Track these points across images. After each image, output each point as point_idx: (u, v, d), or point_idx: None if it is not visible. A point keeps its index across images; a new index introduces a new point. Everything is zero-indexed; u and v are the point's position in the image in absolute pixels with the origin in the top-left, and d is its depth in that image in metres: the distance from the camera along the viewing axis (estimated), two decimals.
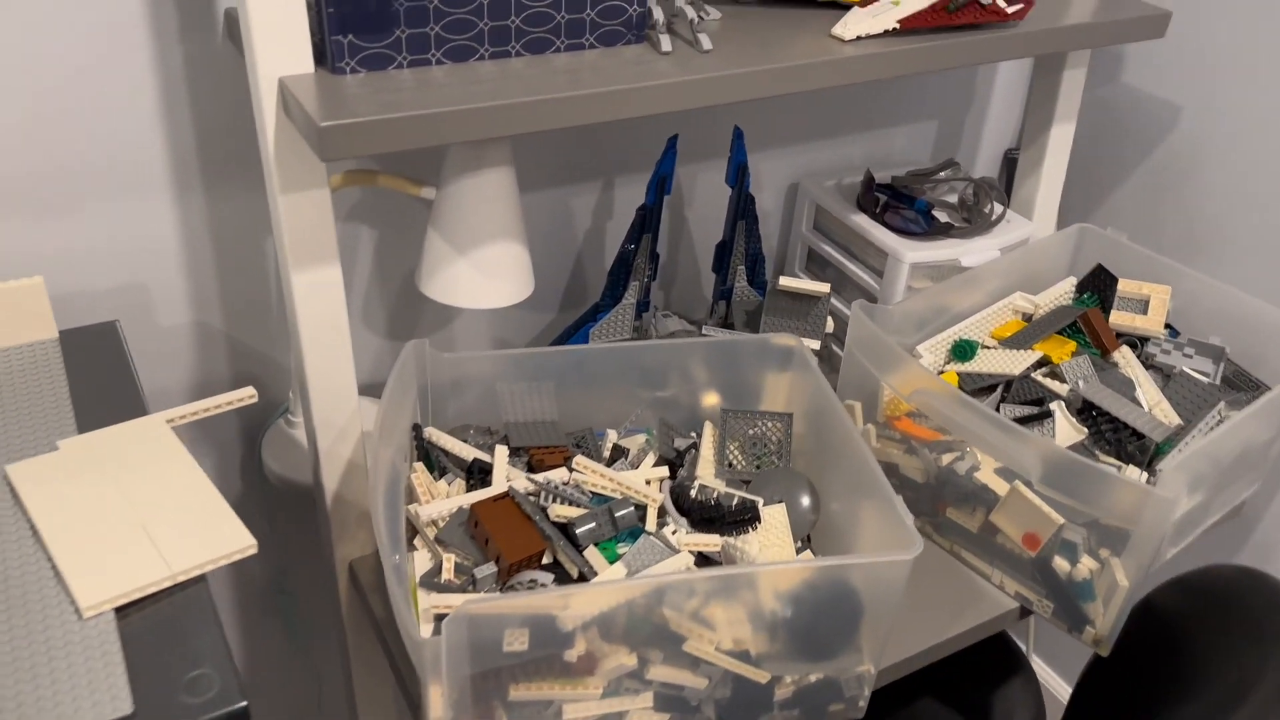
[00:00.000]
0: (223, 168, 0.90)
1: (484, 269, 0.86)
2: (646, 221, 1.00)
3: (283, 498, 1.09)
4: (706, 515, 0.81)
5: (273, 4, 0.67)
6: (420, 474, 0.82)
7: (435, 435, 0.86)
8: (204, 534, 0.61)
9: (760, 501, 0.81)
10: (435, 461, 0.84)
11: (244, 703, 0.51)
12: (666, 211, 1.14)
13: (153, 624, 0.56)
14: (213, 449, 1.02)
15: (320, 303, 0.79)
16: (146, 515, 0.61)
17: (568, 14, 0.77)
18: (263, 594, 1.13)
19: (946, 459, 0.90)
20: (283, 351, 1.02)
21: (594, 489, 0.81)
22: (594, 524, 0.77)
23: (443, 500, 0.79)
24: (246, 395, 0.74)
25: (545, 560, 0.76)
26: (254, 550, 0.61)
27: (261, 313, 0.99)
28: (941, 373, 0.99)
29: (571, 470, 0.83)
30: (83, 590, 0.56)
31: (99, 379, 0.75)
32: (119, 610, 0.56)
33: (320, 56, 0.72)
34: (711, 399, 0.93)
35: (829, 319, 0.99)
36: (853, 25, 0.84)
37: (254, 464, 1.05)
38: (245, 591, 1.12)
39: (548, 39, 0.77)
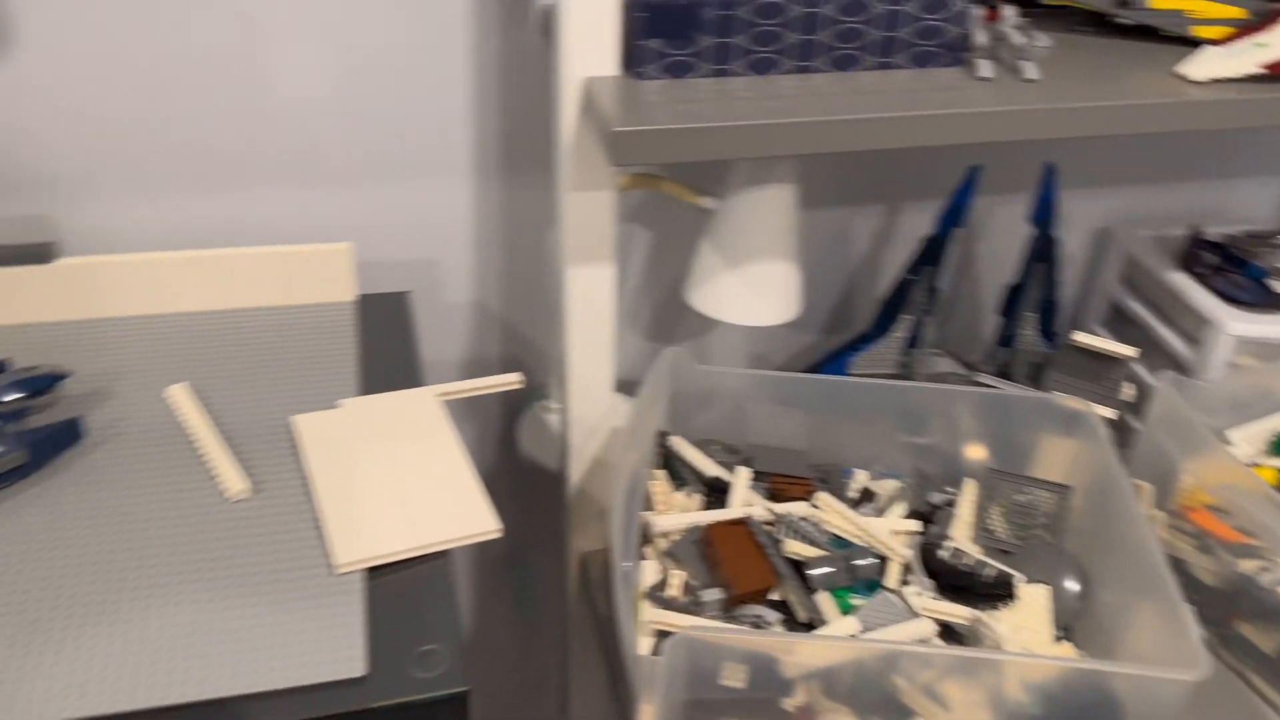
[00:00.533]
0: (519, 159, 0.93)
1: (753, 286, 0.84)
2: (931, 253, 0.93)
3: (530, 479, 1.13)
4: (956, 582, 0.75)
5: (588, 5, 0.68)
6: (660, 482, 0.81)
7: (680, 445, 0.85)
8: (454, 510, 0.63)
9: (1021, 578, 0.74)
10: (676, 471, 0.83)
11: (467, 688, 0.52)
12: (954, 245, 1.07)
13: (394, 591, 0.58)
14: (473, 421, 1.07)
15: (591, 299, 0.80)
16: (405, 484, 0.64)
17: (881, 31, 0.73)
18: (496, 566, 1.17)
19: (1247, 565, 0.78)
20: (548, 340, 1.05)
21: (835, 530, 0.77)
22: (830, 569, 0.73)
23: (678, 514, 0.77)
24: (514, 380, 0.76)
25: (774, 596, 0.73)
26: (498, 534, 0.62)
27: (534, 300, 1.02)
28: (1256, 467, 0.86)
29: (814, 506, 0.79)
30: (341, 546, 0.59)
31: (385, 345, 0.80)
32: (370, 571, 0.59)
33: (625, 60, 0.72)
34: (977, 454, 0.86)
35: (1129, 386, 0.89)
36: (1206, 65, 0.74)
37: (508, 443, 1.10)
38: (479, 563, 1.17)
39: (855, 56, 0.74)
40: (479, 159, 0.93)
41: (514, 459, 1.11)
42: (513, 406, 1.08)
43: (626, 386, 1.09)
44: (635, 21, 0.70)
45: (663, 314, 1.06)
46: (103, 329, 0.77)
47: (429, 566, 0.60)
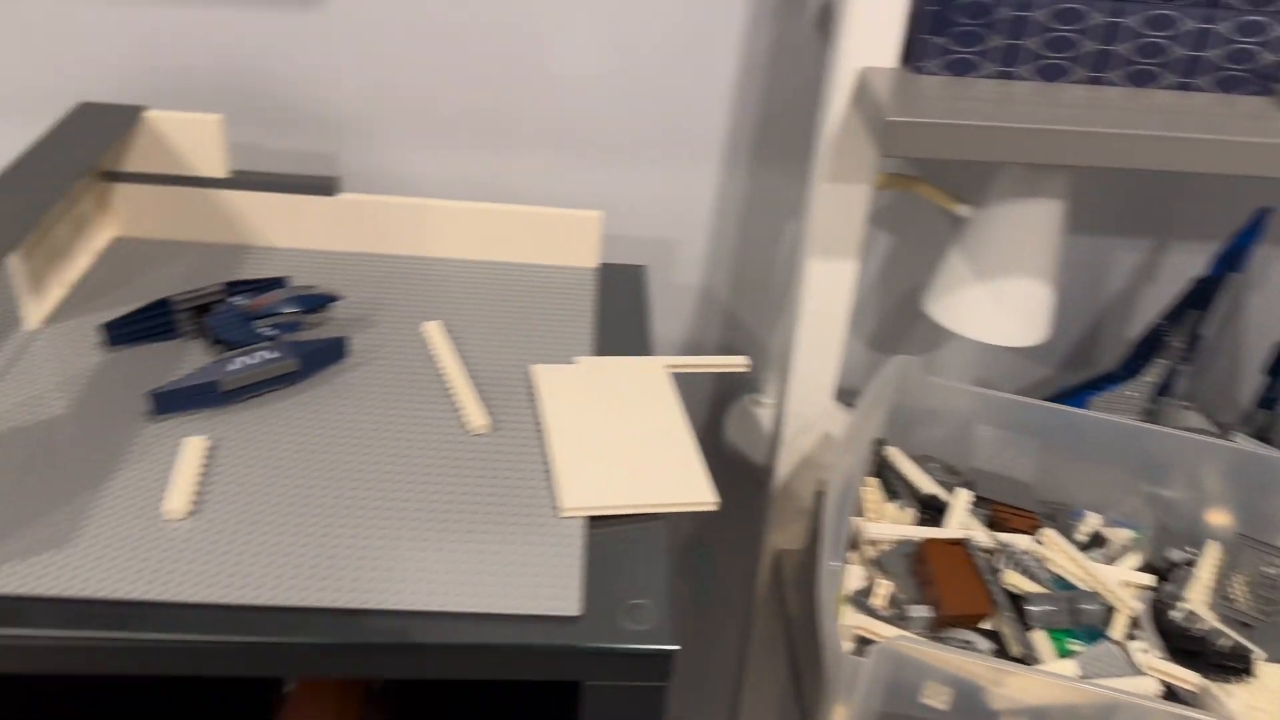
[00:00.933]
0: (770, 149, 0.94)
1: (1002, 303, 0.80)
2: (1199, 296, 0.87)
3: (728, 468, 1.13)
4: (1186, 646, 0.69)
5: None
6: (873, 490, 0.79)
7: (896, 457, 0.82)
8: (674, 477, 0.63)
9: (1260, 655, 0.67)
10: (889, 483, 0.81)
11: (676, 646, 0.53)
12: (1227, 291, 0.99)
13: (611, 543, 0.60)
14: (682, 400, 1.08)
15: (827, 296, 0.79)
16: (631, 444, 0.66)
17: (1186, 50, 0.69)
18: (680, 553, 1.18)
19: None
20: (768, 333, 1.04)
21: (1059, 571, 0.72)
22: (1052, 607, 0.69)
23: (891, 524, 0.75)
24: (740, 363, 0.76)
25: (985, 625, 0.70)
26: (714, 507, 0.62)
27: (761, 292, 1.02)
28: None
29: (1037, 542, 0.75)
30: (567, 490, 0.61)
31: (619, 313, 0.82)
32: (590, 520, 0.61)
33: (904, 53, 0.71)
34: (1222, 518, 0.79)
35: None
36: None
37: (711, 429, 1.10)
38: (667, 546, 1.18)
39: (1153, 72, 0.69)
40: (730, 146, 0.93)
41: (714, 446, 1.11)
42: (722, 394, 1.08)
43: (841, 391, 1.07)
44: (922, 15, 0.68)
45: (888, 321, 1.03)
46: (372, 263, 0.83)
47: (645, 526, 0.61)
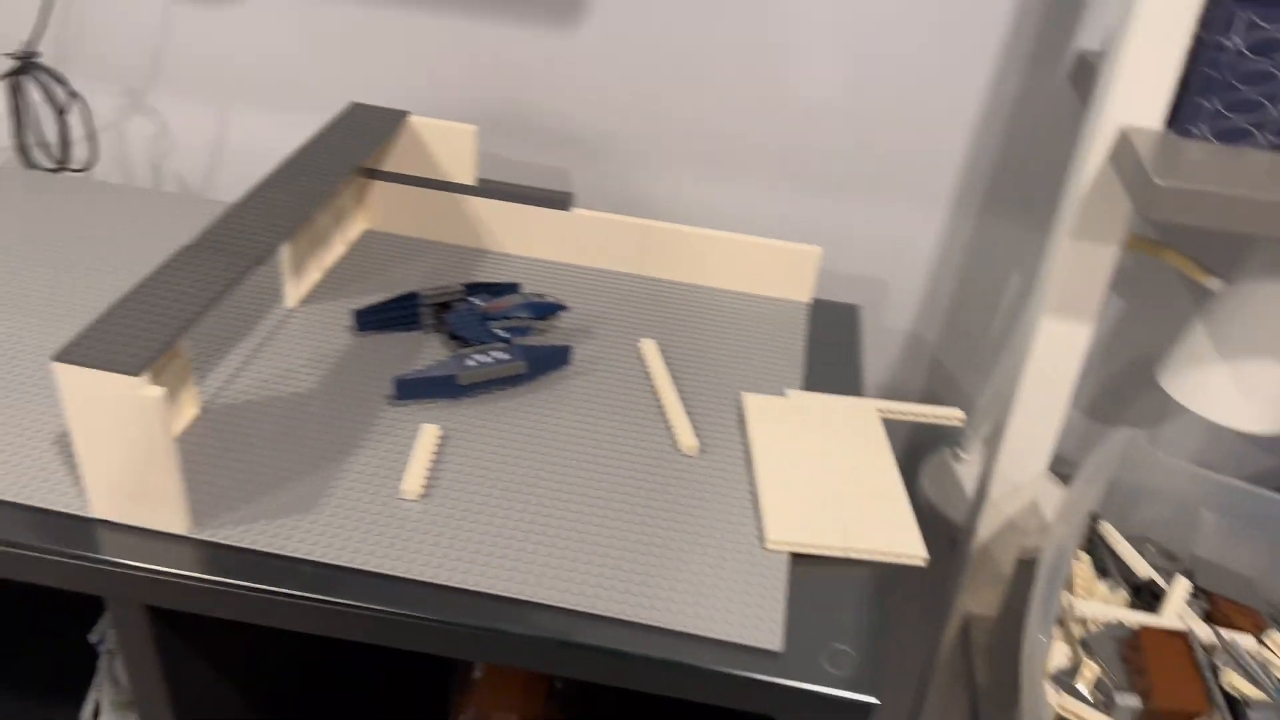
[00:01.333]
0: (1003, 197, 0.91)
1: (1247, 385, 0.75)
2: None
3: (922, 523, 1.10)
4: None
5: (1147, 55, 0.65)
6: (1083, 566, 0.76)
7: (1111, 535, 0.78)
8: (884, 525, 0.62)
9: None
10: (1100, 560, 0.77)
11: (876, 700, 0.52)
12: None
13: (816, 584, 0.59)
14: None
15: (1056, 358, 0.76)
16: (840, 484, 0.65)
17: None
18: None
19: None
20: (976, 385, 1.01)
21: None
22: (1275, 717, 0.63)
23: (1103, 604, 0.71)
24: (955, 416, 0.74)
25: None
26: (922, 562, 0.61)
27: (974, 343, 0.99)
28: None
29: (1261, 643, 0.70)
30: (773, 523, 0.62)
31: (831, 350, 0.81)
32: (794, 556, 0.61)
33: (1170, 114, 0.68)
34: None
35: None
36: None
37: (906, 480, 1.07)
38: None
39: None
40: (962, 189, 0.92)
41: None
42: (918, 442, 1.06)
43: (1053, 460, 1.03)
44: (1196, 76, 0.65)
45: (1113, 390, 0.98)
46: (598, 277, 0.86)
47: (851, 571, 0.61)
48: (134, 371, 0.52)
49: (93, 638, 0.84)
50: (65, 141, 0.92)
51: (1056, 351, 0.76)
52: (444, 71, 0.94)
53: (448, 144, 0.84)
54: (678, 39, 0.89)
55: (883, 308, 0.99)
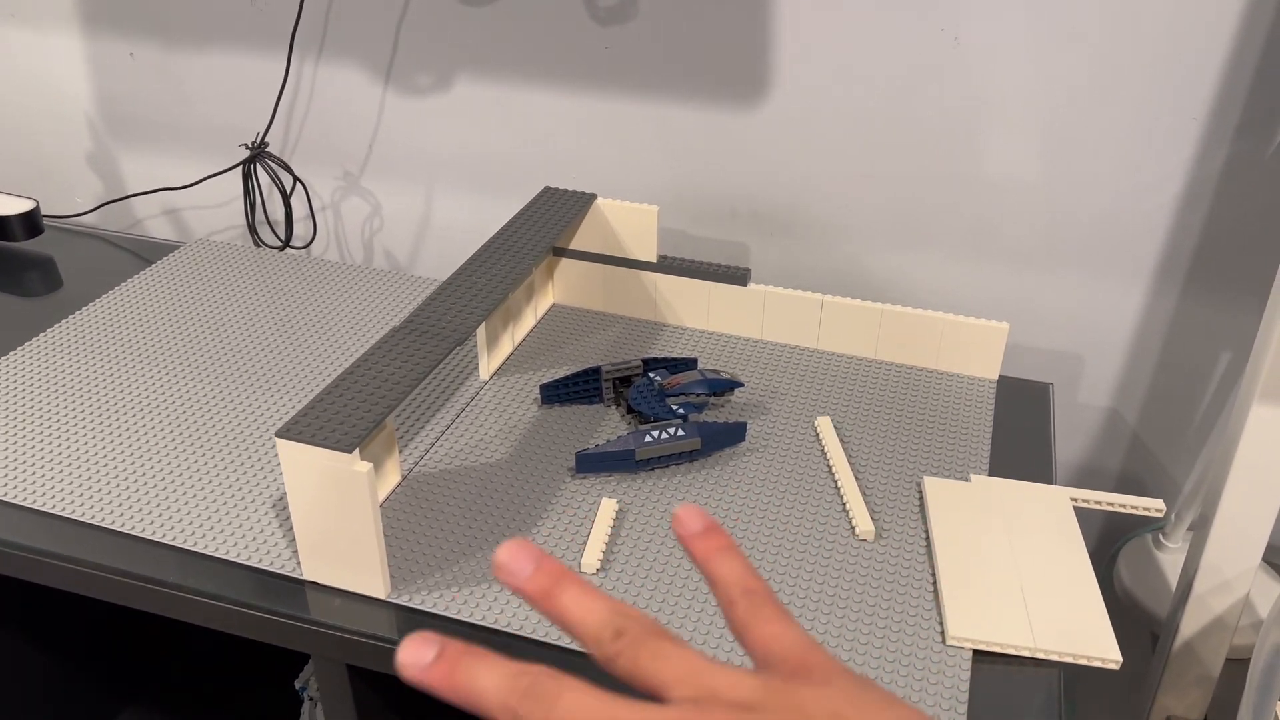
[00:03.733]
0: (1209, 273, 0.86)
1: None
2: None
3: (1119, 615, 1.03)
4: None
5: None
6: None
7: None
8: (1075, 625, 0.59)
9: None
10: None
11: None
12: None
13: (1000, 685, 0.57)
14: None
15: (1270, 443, 0.71)
16: (1027, 578, 0.63)
17: None
18: None
19: None
20: (1180, 469, 0.95)
21: None
22: None
23: None
24: (1154, 507, 0.70)
25: None
26: (1115, 665, 0.57)
27: (1177, 424, 0.93)
28: None
29: None
30: (955, 618, 0.60)
31: (1020, 432, 0.79)
32: (976, 653, 0.59)
33: None
34: None
35: None
36: None
37: (1100, 564, 1.01)
38: None
39: None
40: (1162, 264, 0.87)
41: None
42: (1113, 528, 1.00)
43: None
44: None
45: None
46: (775, 351, 0.87)
47: (1037, 673, 0.58)
48: (347, 449, 0.56)
49: (297, 684, 0.90)
50: (289, 222, 1.01)
51: (1270, 437, 0.70)
52: (632, 154, 0.98)
53: (631, 223, 0.88)
54: (864, 110, 0.89)
55: (1076, 384, 0.95)
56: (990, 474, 0.73)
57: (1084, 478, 0.99)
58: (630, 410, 0.78)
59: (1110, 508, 0.71)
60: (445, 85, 1.00)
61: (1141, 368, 0.92)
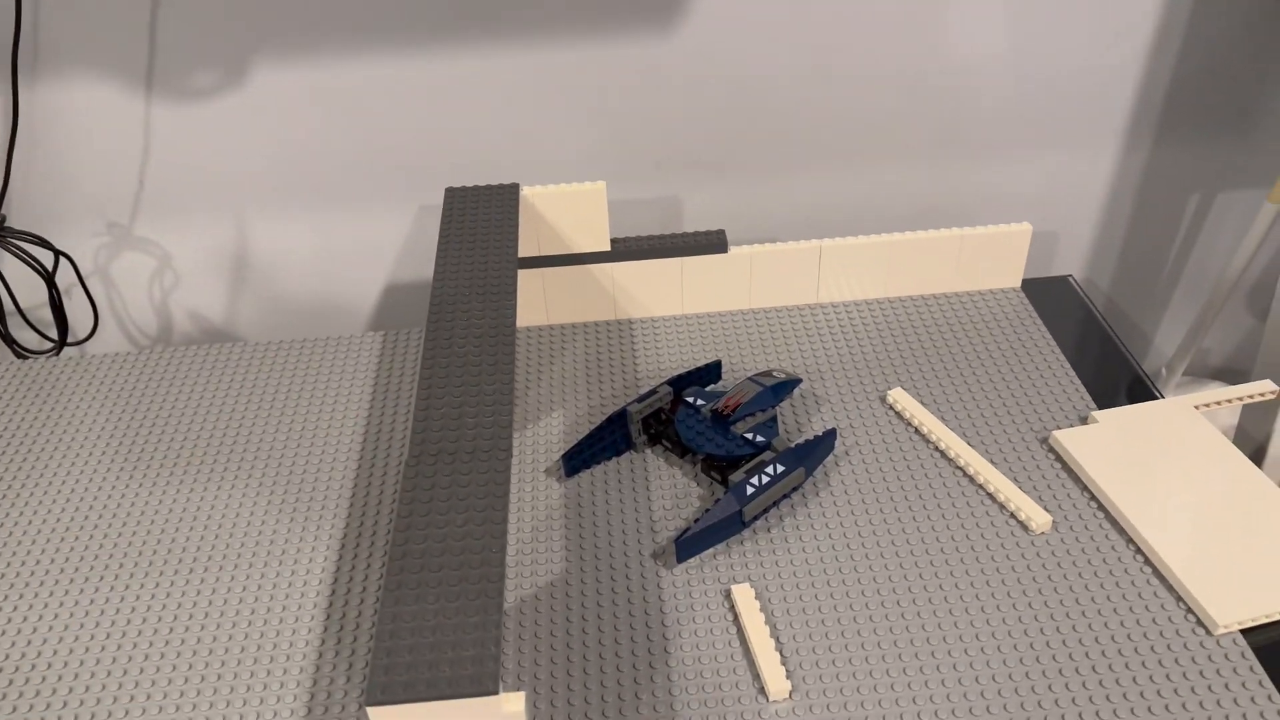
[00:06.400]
0: (1179, 117, 0.80)
1: None
2: None
3: None
4: None
5: None
6: None
7: None
8: None
9: None
10: None
11: None
12: None
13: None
14: None
15: None
16: (1235, 522, 0.54)
17: None
18: None
19: None
20: (1149, 322, 0.92)
21: None
22: None
23: None
24: (1266, 391, 0.64)
25: None
26: None
27: (1148, 278, 0.89)
28: None
29: None
30: (1212, 604, 0.50)
31: (1082, 341, 0.70)
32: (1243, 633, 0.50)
33: None
34: None
35: None
36: None
37: None
38: None
39: None
40: (1133, 119, 0.80)
41: None
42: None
43: None
44: None
45: None
46: (765, 320, 0.72)
47: None
48: (489, 689, 0.37)
49: None
50: (61, 312, 0.72)
51: None
52: (507, 121, 0.77)
53: (573, 209, 0.69)
54: (808, 19, 0.74)
55: (1052, 263, 0.88)
56: (1090, 395, 0.65)
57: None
58: (683, 450, 0.61)
59: (1230, 403, 0.64)
60: (237, 77, 0.73)
61: (1113, 232, 0.86)
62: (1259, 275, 0.90)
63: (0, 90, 0.71)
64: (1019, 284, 0.75)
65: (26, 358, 0.74)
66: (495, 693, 0.37)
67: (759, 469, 0.57)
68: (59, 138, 0.74)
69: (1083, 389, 0.65)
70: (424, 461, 0.46)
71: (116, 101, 0.73)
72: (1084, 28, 0.75)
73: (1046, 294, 0.75)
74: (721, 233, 0.71)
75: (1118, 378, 0.68)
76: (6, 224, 0.70)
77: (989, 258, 0.73)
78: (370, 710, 0.36)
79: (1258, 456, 0.74)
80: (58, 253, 0.72)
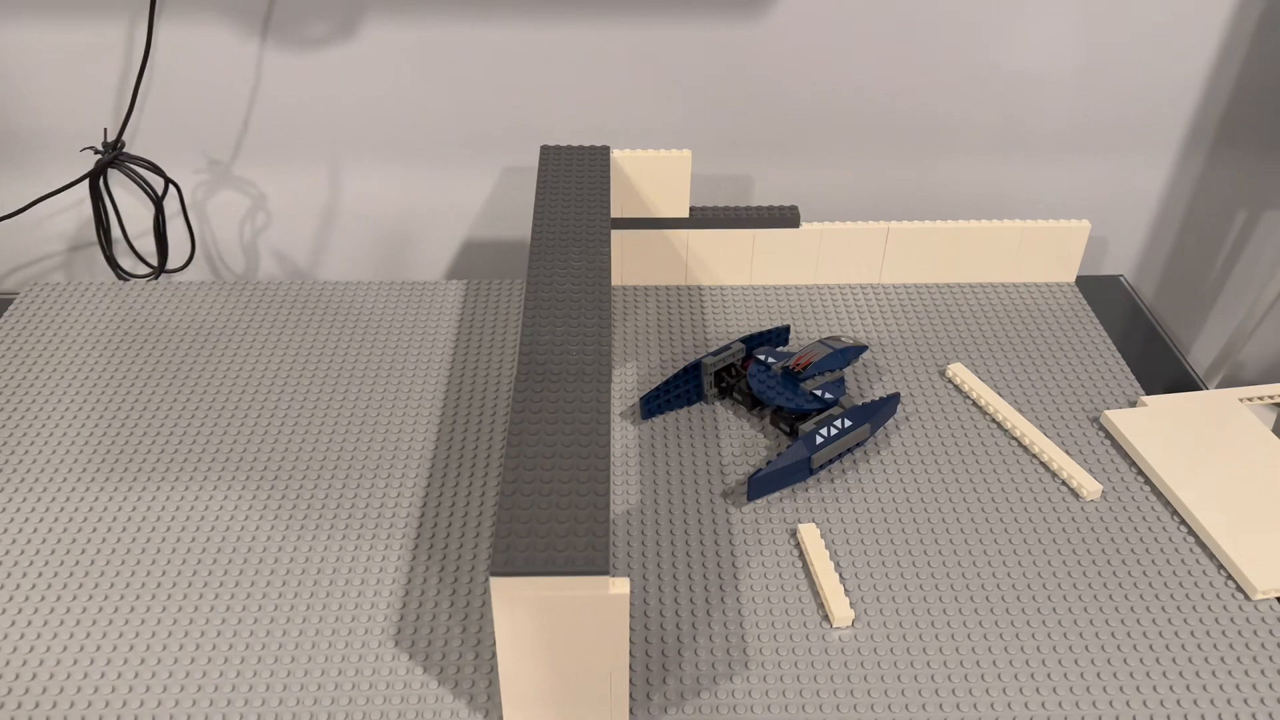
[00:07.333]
0: (1239, 131, 0.83)
1: None
2: None
3: None
4: None
5: None
6: None
7: None
8: None
9: None
10: None
11: None
12: None
13: None
14: None
15: None
16: (1270, 497, 0.58)
17: None
18: None
19: None
20: (1188, 331, 0.95)
21: None
22: None
23: None
24: None
25: None
26: None
27: (1190, 288, 0.93)
28: None
29: None
30: (1252, 569, 0.54)
31: (1133, 334, 0.74)
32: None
33: None
34: None
35: None
36: None
37: None
38: None
39: None
40: (1192, 132, 0.83)
41: None
42: None
43: None
44: None
45: None
46: (830, 295, 0.75)
47: None
48: (601, 569, 0.40)
49: None
50: (163, 241, 0.76)
51: None
52: (598, 91, 0.81)
53: (658, 175, 0.72)
54: (882, 20, 0.77)
55: (1101, 267, 0.91)
56: (1139, 382, 0.68)
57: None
58: (753, 403, 0.65)
59: (1273, 400, 0.67)
60: (347, 30, 0.77)
61: (1161, 239, 0.90)
62: None
63: (137, 24, 0.75)
64: (1073, 279, 0.78)
65: (127, 279, 0.78)
66: (606, 573, 0.40)
67: (828, 421, 0.60)
68: (177, 73, 0.78)
69: (1132, 377, 0.69)
70: (532, 380, 0.50)
71: (232, 44, 0.77)
72: (1150, 44, 0.79)
73: (1098, 290, 0.78)
74: (795, 208, 0.75)
75: (1165, 372, 0.71)
76: (124, 149, 0.74)
77: (1047, 251, 0.76)
78: (494, 580, 0.40)
79: None
80: (168, 180, 0.76)
